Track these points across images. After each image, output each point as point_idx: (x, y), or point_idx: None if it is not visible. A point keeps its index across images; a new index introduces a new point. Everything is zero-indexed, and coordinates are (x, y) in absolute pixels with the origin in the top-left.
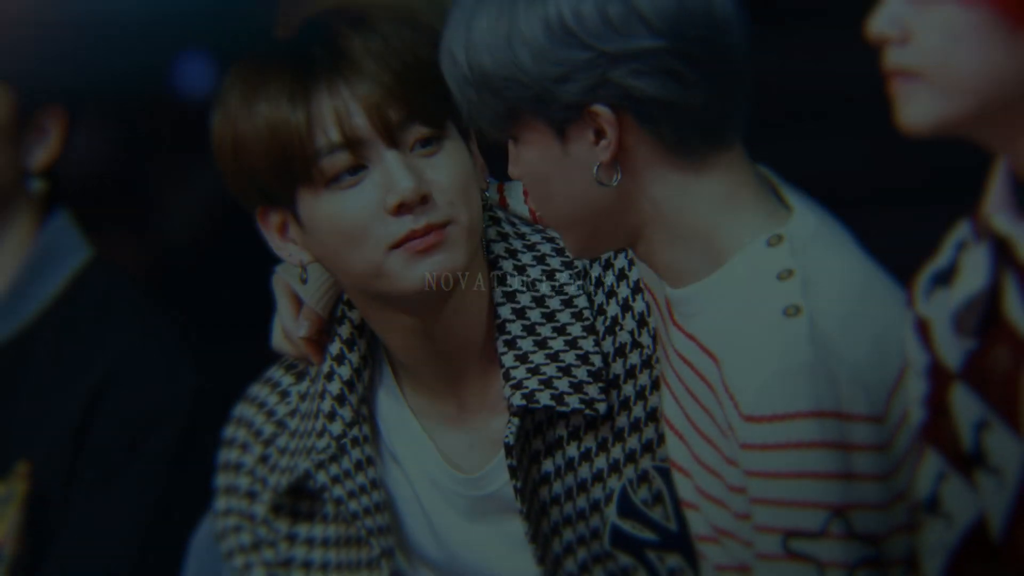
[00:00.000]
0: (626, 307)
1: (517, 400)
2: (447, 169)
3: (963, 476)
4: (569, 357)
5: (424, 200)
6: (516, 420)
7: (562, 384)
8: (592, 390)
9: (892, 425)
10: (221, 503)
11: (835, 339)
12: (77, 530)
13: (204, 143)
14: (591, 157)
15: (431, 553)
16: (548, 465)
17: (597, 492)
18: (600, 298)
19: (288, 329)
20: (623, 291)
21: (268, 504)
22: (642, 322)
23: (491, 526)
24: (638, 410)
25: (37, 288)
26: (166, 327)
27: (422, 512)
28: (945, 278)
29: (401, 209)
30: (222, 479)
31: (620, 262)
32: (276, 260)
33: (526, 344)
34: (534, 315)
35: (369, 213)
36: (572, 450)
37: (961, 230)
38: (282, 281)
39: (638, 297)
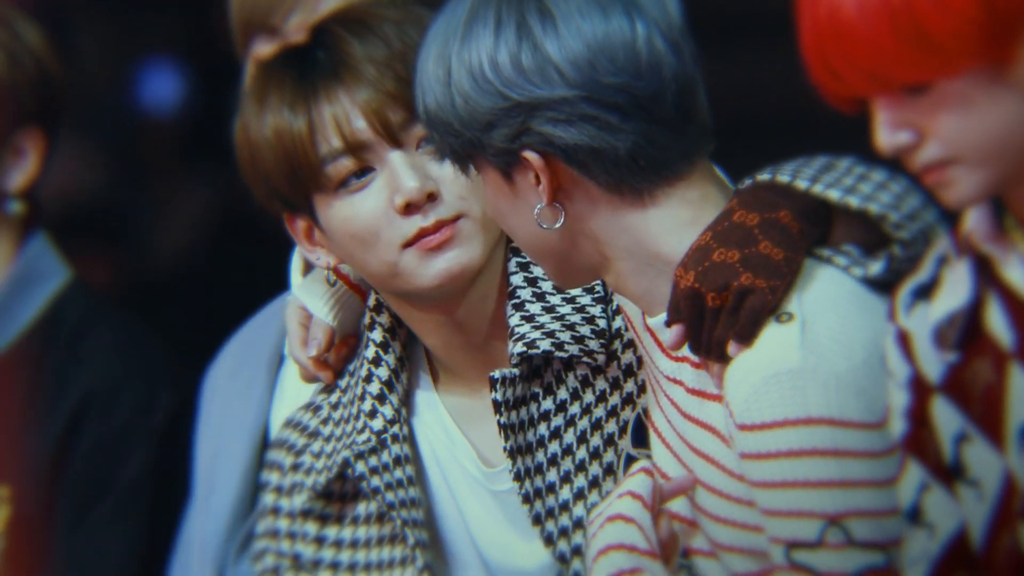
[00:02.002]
0: None
1: (518, 348)
2: None
3: (945, 487)
4: (575, 317)
5: (432, 197)
6: (513, 371)
7: (564, 335)
8: (593, 344)
9: (893, 430)
10: (259, 525)
11: (828, 345)
12: (62, 554)
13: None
14: (536, 198)
15: (467, 554)
16: (543, 428)
17: (596, 440)
18: None
19: (296, 356)
20: None
21: (301, 503)
22: None
23: (514, 523)
24: (628, 356)
25: (16, 312)
26: (144, 349)
27: (458, 512)
28: (926, 292)
29: (409, 208)
30: (262, 501)
31: None
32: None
33: (534, 308)
34: (546, 285)
35: (379, 214)
36: (574, 407)
37: (942, 245)
38: (294, 305)
39: None
